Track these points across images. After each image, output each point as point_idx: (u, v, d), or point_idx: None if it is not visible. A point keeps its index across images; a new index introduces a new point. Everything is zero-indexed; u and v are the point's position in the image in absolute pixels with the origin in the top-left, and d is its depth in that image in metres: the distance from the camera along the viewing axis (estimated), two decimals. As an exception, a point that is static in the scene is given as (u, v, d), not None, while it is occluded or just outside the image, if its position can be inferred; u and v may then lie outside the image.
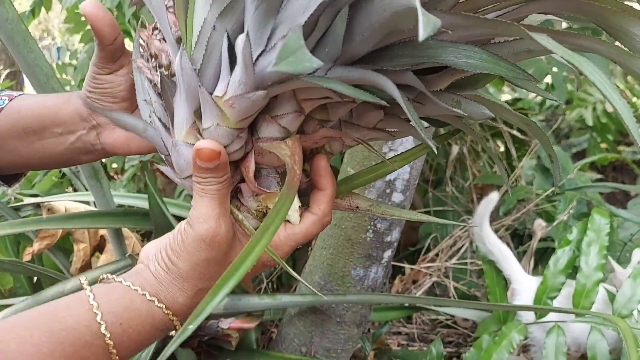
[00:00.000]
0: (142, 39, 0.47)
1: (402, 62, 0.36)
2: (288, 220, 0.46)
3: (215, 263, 0.43)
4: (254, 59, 0.36)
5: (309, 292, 1.12)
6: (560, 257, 1.09)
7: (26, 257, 1.38)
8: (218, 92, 0.39)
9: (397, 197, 1.04)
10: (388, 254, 1.09)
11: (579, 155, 2.90)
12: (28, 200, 1.44)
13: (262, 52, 0.36)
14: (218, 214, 0.42)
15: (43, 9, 1.68)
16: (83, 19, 1.95)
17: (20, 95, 0.54)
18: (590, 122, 2.71)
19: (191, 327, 0.32)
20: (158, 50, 0.46)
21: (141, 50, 0.47)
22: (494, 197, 1.29)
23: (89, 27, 1.96)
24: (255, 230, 0.45)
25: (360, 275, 1.08)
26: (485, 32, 0.37)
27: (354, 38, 0.35)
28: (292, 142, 0.42)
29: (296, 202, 0.46)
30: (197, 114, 0.42)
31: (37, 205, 1.46)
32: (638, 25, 0.30)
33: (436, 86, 0.41)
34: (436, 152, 0.40)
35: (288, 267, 0.42)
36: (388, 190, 1.03)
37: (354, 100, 0.42)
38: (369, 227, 1.05)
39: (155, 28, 0.47)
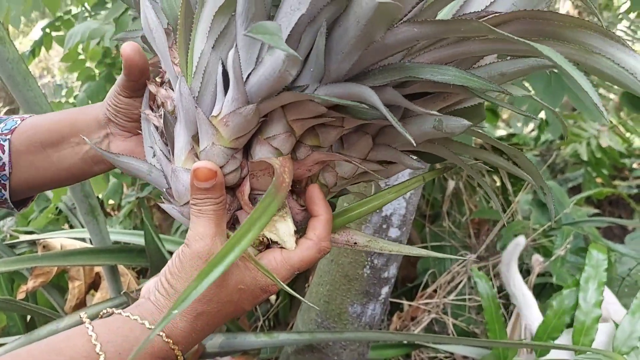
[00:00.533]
0: (150, 90, 0.50)
1: (383, 81, 0.38)
2: (283, 247, 0.46)
3: (214, 284, 0.43)
4: (245, 77, 0.39)
5: (306, 330, 1.11)
6: (566, 298, 1.08)
7: (20, 295, 1.37)
8: (214, 112, 0.41)
9: (393, 232, 1.03)
10: (385, 290, 1.08)
11: (574, 190, 2.92)
12: (24, 238, 1.44)
13: (252, 70, 0.39)
14: (214, 233, 0.43)
15: (43, 48, 1.70)
16: (81, 57, 1.98)
17: (30, 116, 0.57)
18: (585, 157, 2.73)
19: (175, 312, 0.33)
20: (164, 98, 0.48)
21: (150, 102, 0.51)
22: (521, 240, 1.30)
23: (87, 65, 1.99)
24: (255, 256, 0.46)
25: (358, 312, 1.07)
26: (454, 51, 0.38)
27: (335, 56, 0.37)
28: (283, 158, 0.44)
29: (291, 227, 0.46)
30: (195, 139, 0.44)
31: (33, 243, 1.45)
32: (593, 38, 0.33)
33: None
34: (426, 168, 0.41)
35: (286, 287, 0.42)
36: (385, 226, 1.03)
37: (342, 124, 0.44)
38: (366, 263, 1.05)
39: (162, 82, 0.50)
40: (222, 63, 0.41)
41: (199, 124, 0.42)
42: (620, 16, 2.26)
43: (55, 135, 0.55)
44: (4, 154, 0.54)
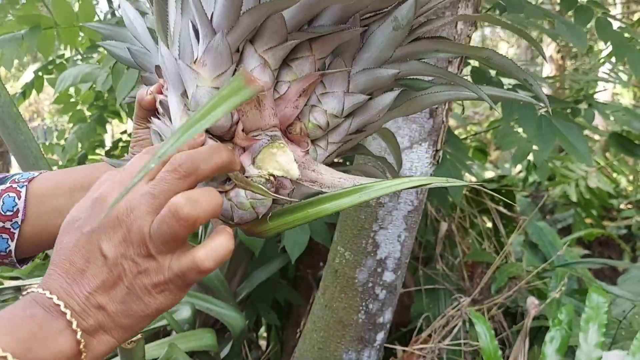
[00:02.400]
0: (158, 100, 0.52)
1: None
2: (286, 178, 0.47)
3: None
4: (209, 16, 0.45)
5: (300, 378, 1.07)
6: (554, 337, 1.07)
7: None
8: (192, 60, 0.47)
9: (388, 276, 1.02)
10: (381, 336, 1.06)
11: (564, 231, 2.92)
12: (9, 284, 1.40)
13: (214, 8, 0.44)
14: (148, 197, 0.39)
15: (34, 91, 1.70)
16: (72, 100, 1.98)
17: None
18: (574, 198, 2.75)
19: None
20: (163, 96, 0.52)
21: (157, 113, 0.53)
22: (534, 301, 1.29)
23: (78, 107, 1.99)
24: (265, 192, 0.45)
25: (353, 359, 1.04)
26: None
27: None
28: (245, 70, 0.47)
29: (291, 155, 0.46)
30: (185, 95, 0.47)
31: (18, 289, 1.41)
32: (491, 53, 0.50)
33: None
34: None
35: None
36: (379, 269, 1.01)
37: (311, 52, 0.48)
38: (361, 307, 1.02)
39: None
40: (192, 23, 0.46)
41: (182, 77, 0.46)
42: (602, 60, 2.32)
43: (89, 178, 0.55)
44: (19, 199, 0.54)
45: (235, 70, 0.46)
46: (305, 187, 0.49)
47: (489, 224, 1.94)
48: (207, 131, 0.47)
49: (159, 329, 1.16)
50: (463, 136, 2.07)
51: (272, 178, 0.46)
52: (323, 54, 0.48)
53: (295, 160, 0.47)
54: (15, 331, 0.35)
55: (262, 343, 1.92)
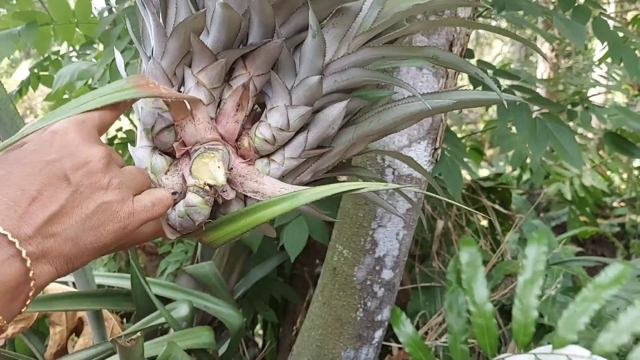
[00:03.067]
0: None
1: None
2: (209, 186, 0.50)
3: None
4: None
5: (298, 376, 1.07)
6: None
7: (-1, 342, 1.31)
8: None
9: (387, 273, 1.02)
10: (379, 333, 1.06)
11: (558, 229, 2.94)
12: None
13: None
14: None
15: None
16: (66, 96, 1.97)
17: None
18: (568, 196, 2.76)
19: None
20: None
21: None
22: None
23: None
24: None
25: (351, 357, 1.05)
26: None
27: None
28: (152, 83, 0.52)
29: (218, 163, 0.49)
30: None
31: (13, 286, 1.40)
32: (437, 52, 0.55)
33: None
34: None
35: None
36: (378, 267, 1.01)
37: (247, 69, 0.52)
38: (359, 305, 1.03)
39: None
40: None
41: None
42: (597, 62, 2.33)
43: None
44: None
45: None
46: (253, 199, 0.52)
47: (484, 222, 1.95)
48: (157, 148, 0.53)
49: (157, 327, 1.16)
50: (459, 135, 2.07)
51: (207, 187, 0.49)
52: (259, 70, 0.52)
53: (234, 171, 0.52)
54: None
55: (258, 340, 1.92)
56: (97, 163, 0.41)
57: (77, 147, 0.40)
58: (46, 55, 1.71)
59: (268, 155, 0.54)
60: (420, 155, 0.97)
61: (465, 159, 1.22)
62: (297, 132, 0.54)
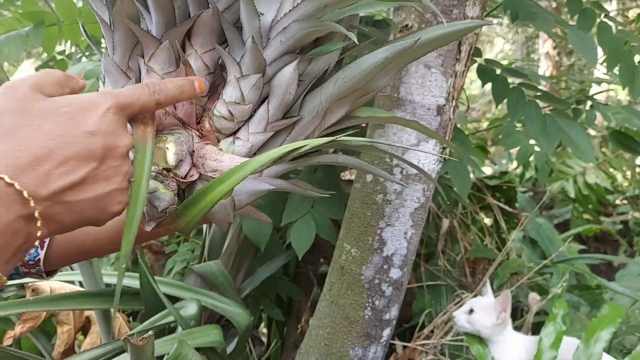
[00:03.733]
0: None
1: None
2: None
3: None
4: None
5: (306, 374, 1.08)
6: (549, 332, 1.10)
7: (7, 341, 1.32)
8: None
9: (395, 272, 1.02)
10: (387, 332, 1.06)
11: (561, 226, 2.94)
12: (11, 281, 1.40)
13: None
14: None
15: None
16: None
17: None
18: (572, 194, 2.77)
19: None
20: None
21: None
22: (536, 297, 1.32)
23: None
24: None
25: (359, 355, 1.05)
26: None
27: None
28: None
29: (170, 145, 0.48)
30: None
31: (21, 286, 1.41)
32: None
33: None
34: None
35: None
36: (386, 266, 1.02)
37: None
38: (367, 304, 1.03)
39: None
40: None
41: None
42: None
43: None
44: None
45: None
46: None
47: (487, 220, 1.95)
48: None
49: (165, 325, 1.16)
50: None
51: (164, 171, 0.48)
52: (205, 46, 0.51)
53: (196, 153, 0.50)
54: None
55: (263, 339, 1.92)
56: (124, 149, 0.41)
57: (117, 129, 0.41)
58: (51, 55, 1.71)
59: (233, 134, 0.52)
60: (429, 154, 0.98)
61: (473, 157, 1.22)
62: (260, 105, 0.51)
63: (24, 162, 0.36)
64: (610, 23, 1.14)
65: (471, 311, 1.14)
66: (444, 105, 0.96)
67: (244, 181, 0.48)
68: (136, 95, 0.43)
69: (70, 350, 1.37)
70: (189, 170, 0.50)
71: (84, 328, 1.43)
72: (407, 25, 0.94)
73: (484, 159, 2.14)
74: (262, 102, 0.51)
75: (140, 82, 0.51)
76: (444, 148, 0.99)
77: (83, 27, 0.57)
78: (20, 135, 0.37)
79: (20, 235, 0.36)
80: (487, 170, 3.82)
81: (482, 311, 1.13)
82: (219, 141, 0.52)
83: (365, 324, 1.04)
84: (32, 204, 0.36)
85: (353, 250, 1.03)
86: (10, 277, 0.59)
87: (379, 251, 1.01)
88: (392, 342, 1.57)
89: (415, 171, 0.98)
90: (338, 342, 1.05)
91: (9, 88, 0.40)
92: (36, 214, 0.36)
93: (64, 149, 0.38)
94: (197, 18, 0.49)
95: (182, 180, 0.49)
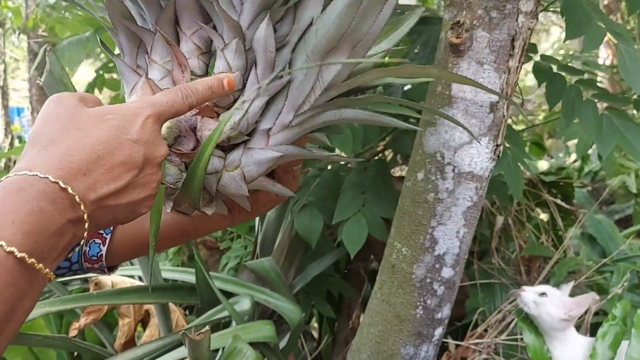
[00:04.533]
0: None
1: None
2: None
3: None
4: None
5: (358, 371, 1.09)
6: (608, 332, 1.06)
7: (72, 332, 1.39)
8: None
9: (447, 272, 1.02)
10: (439, 331, 1.06)
11: (622, 222, 2.82)
12: (76, 276, 1.47)
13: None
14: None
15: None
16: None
17: None
18: (633, 189, 2.65)
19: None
20: None
21: None
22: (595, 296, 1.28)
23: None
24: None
25: (411, 354, 1.05)
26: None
27: None
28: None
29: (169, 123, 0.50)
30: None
31: (85, 280, 1.48)
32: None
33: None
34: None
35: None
36: (437, 265, 1.01)
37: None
38: (419, 303, 1.03)
39: None
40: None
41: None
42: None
43: None
44: None
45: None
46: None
47: (543, 216, 1.90)
48: None
49: (220, 320, 1.20)
50: (519, 127, 2.03)
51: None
52: (191, 28, 0.52)
53: (197, 128, 0.51)
54: (20, 225, 0.35)
55: (314, 334, 1.95)
56: (161, 159, 0.44)
57: (155, 138, 0.43)
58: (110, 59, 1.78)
59: (232, 104, 0.52)
60: (482, 152, 0.96)
61: (526, 160, 1.19)
62: (250, 72, 0.51)
63: (75, 166, 0.38)
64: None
65: (543, 294, 1.10)
66: (497, 102, 0.94)
67: (251, 152, 0.50)
68: (171, 102, 0.45)
69: (130, 341, 1.43)
70: (195, 146, 0.51)
71: (144, 321, 1.49)
72: (458, 22, 0.93)
73: (541, 157, 2.08)
74: (252, 68, 0.51)
75: (147, 77, 0.53)
76: (497, 145, 0.97)
77: (101, 40, 0.60)
78: (72, 139, 0.39)
79: (68, 236, 0.38)
80: (544, 165, 3.71)
81: (554, 299, 1.08)
82: (218, 115, 0.52)
83: (416, 323, 1.04)
84: (82, 208, 0.38)
85: (404, 249, 1.03)
86: (75, 272, 0.62)
87: (430, 250, 1.00)
88: (444, 340, 1.56)
89: (467, 169, 0.97)
90: (389, 340, 1.06)
91: (59, 98, 0.43)
92: (86, 217, 0.39)
93: (111, 156, 0.40)
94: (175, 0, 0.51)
95: (187, 154, 0.50)
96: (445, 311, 1.05)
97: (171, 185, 0.51)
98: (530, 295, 1.09)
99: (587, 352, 1.10)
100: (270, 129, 0.51)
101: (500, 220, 1.65)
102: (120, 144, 0.40)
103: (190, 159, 0.50)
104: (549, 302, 1.08)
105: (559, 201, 1.72)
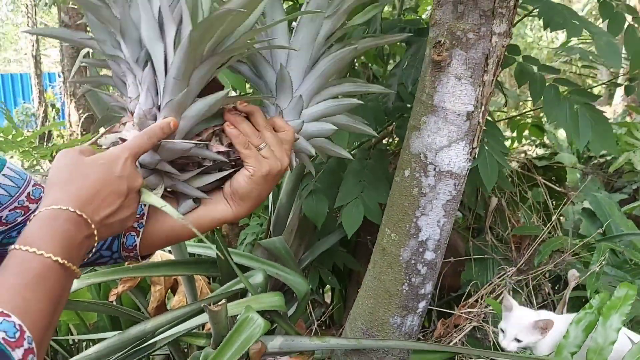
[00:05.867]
0: None
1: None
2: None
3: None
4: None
5: (353, 337, 1.27)
6: (582, 319, 1.20)
7: (111, 298, 1.60)
8: None
9: (429, 255, 1.18)
10: (423, 304, 1.23)
11: (629, 201, 2.91)
12: (115, 263, 1.68)
13: None
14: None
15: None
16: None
17: None
18: (638, 167, 2.74)
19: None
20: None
21: None
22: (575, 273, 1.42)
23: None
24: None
25: (398, 323, 1.23)
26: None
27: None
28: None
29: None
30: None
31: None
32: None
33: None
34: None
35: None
36: (421, 249, 1.18)
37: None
38: (405, 281, 1.20)
39: None
40: None
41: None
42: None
43: None
44: (145, 206, 0.73)
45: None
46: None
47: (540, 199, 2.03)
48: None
49: (238, 291, 1.39)
50: (514, 113, 2.14)
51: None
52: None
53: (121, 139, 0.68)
54: (58, 242, 0.53)
55: (328, 302, 2.14)
56: (138, 187, 0.63)
57: (133, 172, 0.62)
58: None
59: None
60: (459, 154, 1.11)
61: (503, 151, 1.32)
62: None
63: (84, 199, 0.57)
64: (637, 25, 1.20)
65: (518, 340, 1.22)
66: (473, 111, 1.08)
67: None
68: (140, 144, 0.63)
69: (162, 305, 1.64)
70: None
71: (173, 287, 1.70)
72: (440, 42, 1.07)
73: (541, 138, 2.19)
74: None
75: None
76: (473, 148, 1.12)
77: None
78: (79, 181, 0.58)
79: (85, 247, 0.57)
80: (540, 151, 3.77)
81: (527, 335, 1.21)
82: None
83: (403, 297, 1.21)
84: (92, 226, 0.57)
85: (393, 234, 1.19)
86: (115, 260, 0.80)
87: (415, 236, 1.17)
88: (438, 309, 1.73)
89: (447, 168, 1.12)
90: (380, 311, 1.23)
91: (65, 153, 0.62)
92: (95, 232, 0.57)
93: (105, 189, 0.59)
94: None
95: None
96: (428, 287, 1.22)
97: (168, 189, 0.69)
98: (512, 346, 1.22)
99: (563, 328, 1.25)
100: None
101: (494, 201, 1.79)
102: (110, 180, 0.60)
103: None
104: (526, 340, 1.21)
105: (550, 184, 1.85)
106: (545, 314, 1.28)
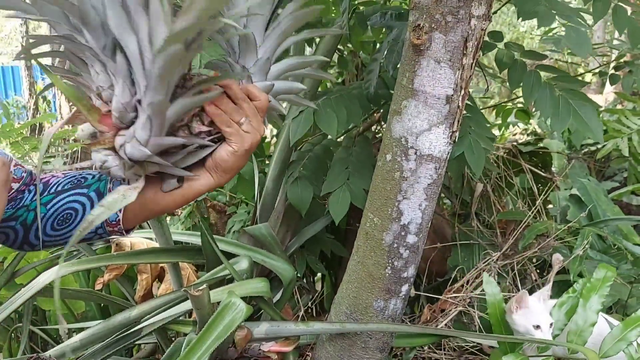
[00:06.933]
0: None
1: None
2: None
3: None
4: None
5: (337, 321, 1.28)
6: (565, 302, 1.22)
7: (98, 286, 1.61)
8: None
9: (411, 238, 1.19)
10: (405, 288, 1.24)
11: (619, 188, 2.94)
12: (101, 239, 1.68)
13: None
14: None
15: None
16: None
17: None
18: (626, 153, 2.76)
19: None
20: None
21: None
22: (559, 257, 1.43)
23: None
24: None
25: (381, 306, 1.24)
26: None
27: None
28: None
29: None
30: None
31: (107, 240, 1.69)
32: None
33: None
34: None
35: None
36: (403, 233, 1.18)
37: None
38: (388, 264, 1.20)
39: None
40: None
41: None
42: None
43: None
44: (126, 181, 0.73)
45: None
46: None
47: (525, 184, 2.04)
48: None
49: (223, 278, 1.39)
50: (500, 100, 2.15)
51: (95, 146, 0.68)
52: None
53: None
54: None
55: (317, 289, 2.15)
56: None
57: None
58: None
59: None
60: (439, 138, 1.11)
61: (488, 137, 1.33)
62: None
63: None
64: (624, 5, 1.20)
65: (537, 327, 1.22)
66: (452, 95, 1.09)
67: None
68: None
69: (148, 294, 1.65)
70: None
71: (160, 276, 1.70)
72: (419, 25, 1.07)
73: (527, 122, 2.20)
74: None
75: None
76: (453, 132, 1.12)
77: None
78: None
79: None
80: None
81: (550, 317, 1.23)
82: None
83: (386, 281, 1.22)
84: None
85: (376, 219, 1.20)
86: (100, 236, 0.80)
87: (397, 220, 1.17)
88: (425, 294, 1.75)
89: (428, 152, 1.12)
90: (364, 295, 1.24)
91: None
92: None
93: None
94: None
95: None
96: (411, 271, 1.23)
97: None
98: (550, 334, 1.22)
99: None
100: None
101: (480, 187, 1.80)
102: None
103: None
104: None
105: (535, 170, 1.86)
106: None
